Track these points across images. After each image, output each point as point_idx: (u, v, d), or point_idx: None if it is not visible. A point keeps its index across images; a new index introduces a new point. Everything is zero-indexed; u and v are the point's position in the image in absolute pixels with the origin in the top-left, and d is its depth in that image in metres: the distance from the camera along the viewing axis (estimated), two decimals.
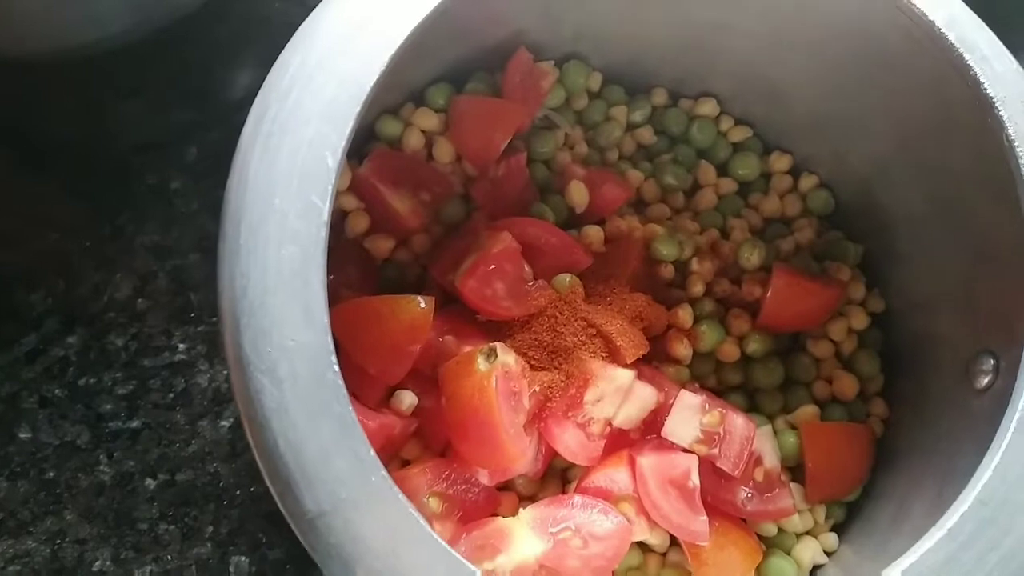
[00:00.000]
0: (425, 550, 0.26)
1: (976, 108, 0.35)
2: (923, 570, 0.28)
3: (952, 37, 0.35)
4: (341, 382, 0.27)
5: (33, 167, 0.54)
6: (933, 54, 0.36)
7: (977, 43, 0.35)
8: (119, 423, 0.49)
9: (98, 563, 0.46)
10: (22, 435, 0.48)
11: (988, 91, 0.34)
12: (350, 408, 0.26)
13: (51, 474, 0.47)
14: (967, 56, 0.34)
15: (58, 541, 0.46)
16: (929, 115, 0.40)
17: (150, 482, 0.48)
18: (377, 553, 0.26)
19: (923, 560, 0.28)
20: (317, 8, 0.31)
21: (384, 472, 0.26)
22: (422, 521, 0.26)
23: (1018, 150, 0.33)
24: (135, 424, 0.49)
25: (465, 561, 0.26)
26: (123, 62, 0.53)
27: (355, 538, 0.26)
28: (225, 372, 0.50)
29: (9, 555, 0.45)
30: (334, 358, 0.27)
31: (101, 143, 0.55)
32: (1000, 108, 0.34)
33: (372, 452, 0.26)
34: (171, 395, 0.50)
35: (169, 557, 0.47)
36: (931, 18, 0.35)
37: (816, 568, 0.42)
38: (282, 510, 0.27)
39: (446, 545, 0.26)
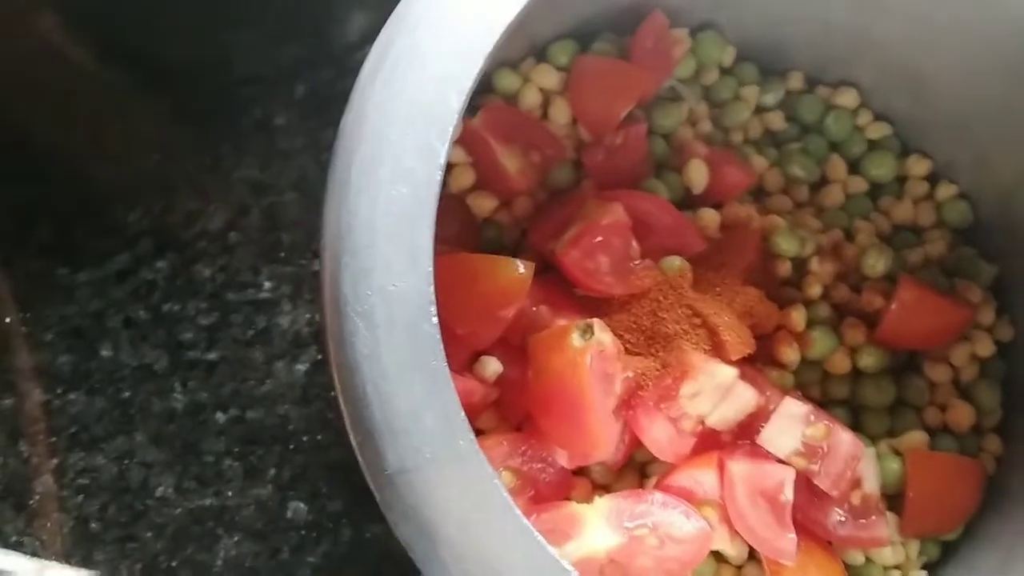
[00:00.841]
0: (506, 525, 0.24)
1: None
2: None
3: None
4: (439, 335, 0.25)
5: (144, 88, 0.54)
6: None
7: None
8: (198, 353, 0.49)
9: (160, 488, 0.46)
10: (104, 352, 0.48)
11: None
12: (445, 364, 0.25)
13: (126, 394, 0.47)
14: None
15: (126, 461, 0.46)
16: None
17: (220, 416, 0.48)
18: (456, 520, 0.24)
19: None
20: None
21: (473, 437, 0.25)
22: (507, 495, 0.24)
23: None
24: (213, 356, 0.49)
25: (546, 544, 0.24)
26: None
27: (435, 501, 0.24)
28: (308, 315, 0.49)
29: (79, 468, 0.46)
30: (434, 309, 0.25)
31: (213, 71, 0.54)
32: None
33: (463, 414, 0.25)
34: (251, 332, 0.49)
35: (230, 493, 0.47)
36: None
37: None
38: (360, 462, 0.25)
39: (529, 524, 0.24)
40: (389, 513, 0.25)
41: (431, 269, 0.25)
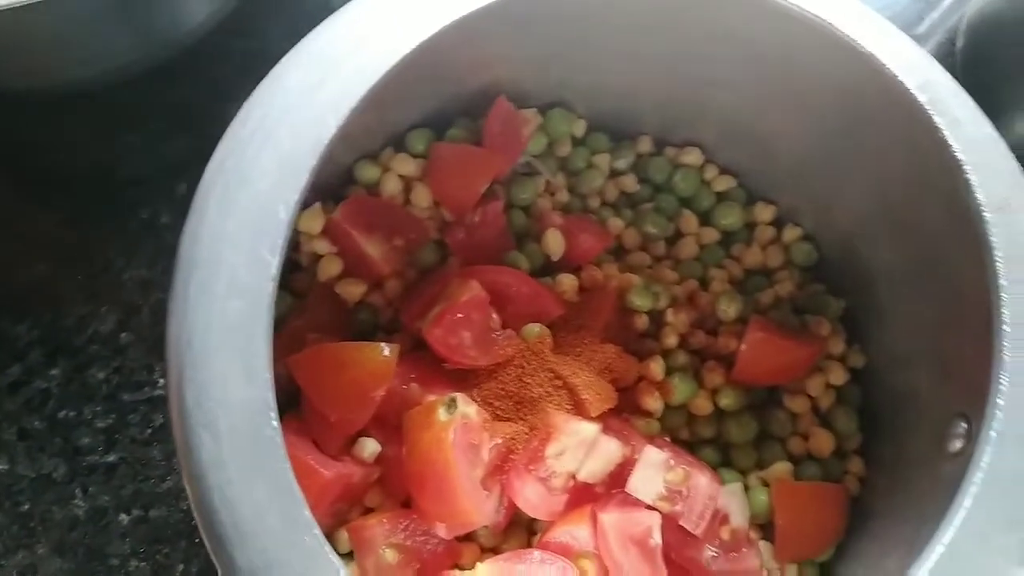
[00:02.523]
0: None
1: (948, 170, 0.35)
2: None
3: (924, 99, 0.35)
4: (280, 439, 0.27)
5: (29, 198, 0.55)
6: (909, 115, 0.36)
7: (950, 107, 0.34)
8: (96, 457, 0.49)
9: None
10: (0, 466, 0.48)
11: (958, 155, 0.33)
12: (287, 465, 0.26)
13: (26, 507, 0.48)
14: (937, 119, 0.34)
15: None
16: (906, 173, 0.39)
17: (123, 518, 0.48)
18: None
19: None
20: (280, 62, 0.32)
21: (317, 531, 0.26)
22: None
23: (986, 215, 0.33)
24: (112, 458, 0.49)
25: None
26: (122, 97, 0.54)
27: None
28: None
29: None
30: (274, 414, 0.27)
31: (99, 176, 0.56)
32: (969, 172, 0.33)
33: (307, 512, 0.26)
34: (149, 430, 0.50)
35: None
36: (903, 79, 0.35)
37: None
38: (216, 565, 0.26)
39: None
40: None
41: (268, 376, 0.27)
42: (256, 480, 0.26)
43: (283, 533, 0.26)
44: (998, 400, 0.31)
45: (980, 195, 0.33)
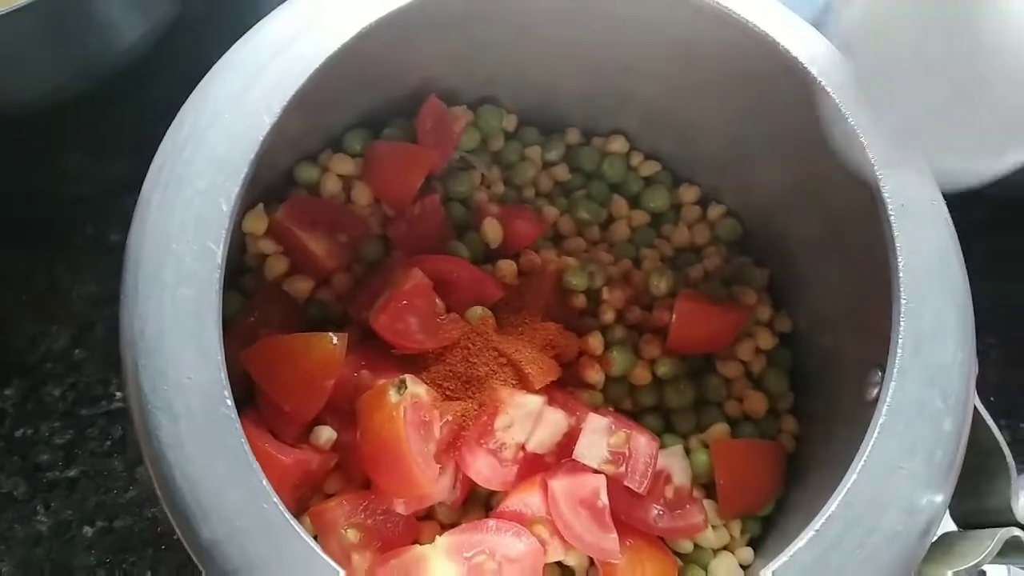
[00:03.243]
0: (317, 574, 0.27)
1: (844, 136, 0.38)
2: (794, 569, 0.30)
3: (815, 71, 0.38)
4: (235, 416, 0.28)
5: None
6: (805, 87, 0.39)
7: (838, 76, 0.38)
8: (56, 472, 0.50)
9: None
10: None
11: (850, 120, 0.36)
12: (243, 440, 0.28)
13: None
14: (830, 88, 0.37)
15: None
16: (812, 145, 0.42)
17: (88, 530, 0.49)
18: None
19: (794, 560, 0.30)
20: (212, 69, 0.33)
21: (276, 500, 0.28)
22: (314, 546, 0.28)
23: (879, 174, 0.36)
24: (73, 473, 0.50)
25: None
26: (58, 118, 0.55)
27: (250, 566, 0.27)
28: None
29: None
30: (227, 393, 0.28)
31: (40, 196, 0.56)
32: (861, 134, 0.36)
33: (265, 481, 0.28)
34: (108, 442, 0.51)
35: None
36: (796, 55, 0.38)
37: None
38: (181, 539, 0.28)
39: (338, 568, 0.27)
40: None
41: (220, 358, 0.29)
42: (215, 457, 0.28)
43: (244, 504, 0.27)
44: (899, 340, 0.34)
45: (871, 154, 0.36)
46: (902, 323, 0.34)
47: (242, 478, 0.28)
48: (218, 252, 0.29)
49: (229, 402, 0.28)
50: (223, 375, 0.28)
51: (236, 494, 0.27)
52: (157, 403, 0.28)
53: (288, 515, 0.28)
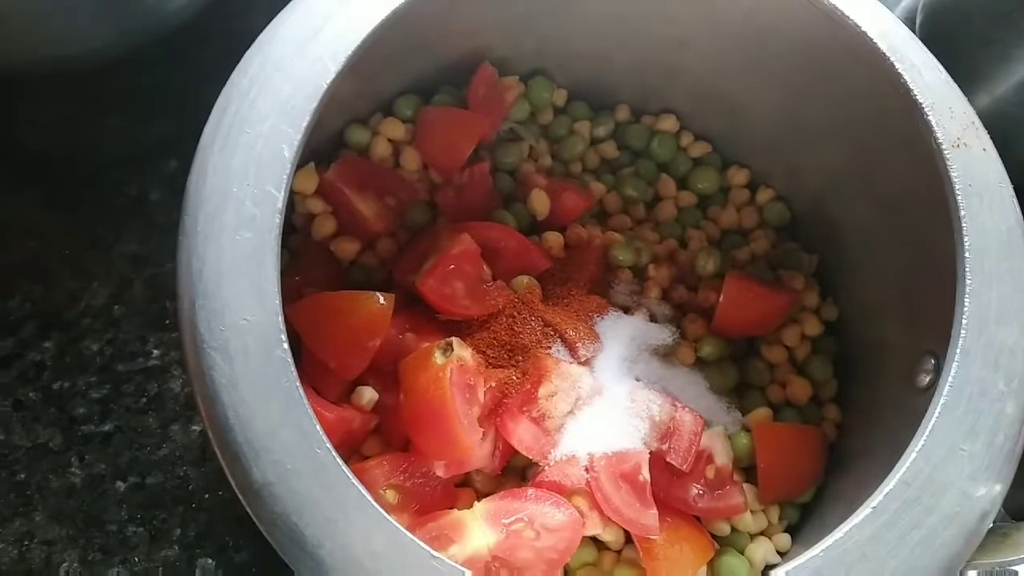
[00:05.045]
0: (367, 519, 0.27)
1: (909, 117, 0.37)
2: (849, 546, 0.29)
3: (884, 47, 0.37)
4: (290, 359, 0.28)
5: (15, 178, 0.55)
6: (870, 65, 0.38)
7: (907, 54, 0.37)
8: (92, 426, 0.50)
9: (65, 564, 0.47)
10: None
11: (917, 97, 0.36)
12: (297, 383, 0.28)
13: (22, 476, 0.48)
14: (898, 65, 0.36)
15: (26, 543, 0.47)
16: (870, 126, 0.41)
17: (120, 485, 0.49)
18: (320, 522, 0.27)
19: (849, 536, 0.29)
20: (278, 15, 0.33)
21: (329, 445, 0.27)
22: (364, 491, 0.27)
23: (946, 154, 0.35)
24: (107, 427, 0.50)
25: (403, 529, 0.27)
26: (105, 78, 0.55)
27: (300, 508, 0.27)
28: None
29: None
30: (284, 336, 0.28)
31: (83, 156, 0.56)
32: (928, 113, 0.35)
33: (317, 426, 0.27)
34: (144, 399, 0.51)
35: (137, 559, 0.47)
36: (865, 30, 0.37)
37: (769, 567, 0.42)
38: (231, 481, 0.28)
39: (386, 514, 0.27)
40: (261, 524, 0.27)
41: (278, 301, 0.28)
42: (269, 399, 0.27)
43: (296, 446, 0.27)
44: (963, 320, 0.33)
45: (939, 133, 0.35)
46: (967, 304, 0.33)
47: (295, 421, 0.27)
48: (279, 197, 0.29)
49: (285, 345, 0.28)
50: (280, 318, 0.28)
51: (289, 436, 0.27)
52: (213, 343, 0.28)
53: (340, 460, 0.27)
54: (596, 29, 0.46)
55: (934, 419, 0.31)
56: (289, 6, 0.34)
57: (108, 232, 0.54)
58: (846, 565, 0.29)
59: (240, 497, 0.28)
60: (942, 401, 0.32)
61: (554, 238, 0.45)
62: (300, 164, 0.41)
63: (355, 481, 0.27)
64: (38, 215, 0.54)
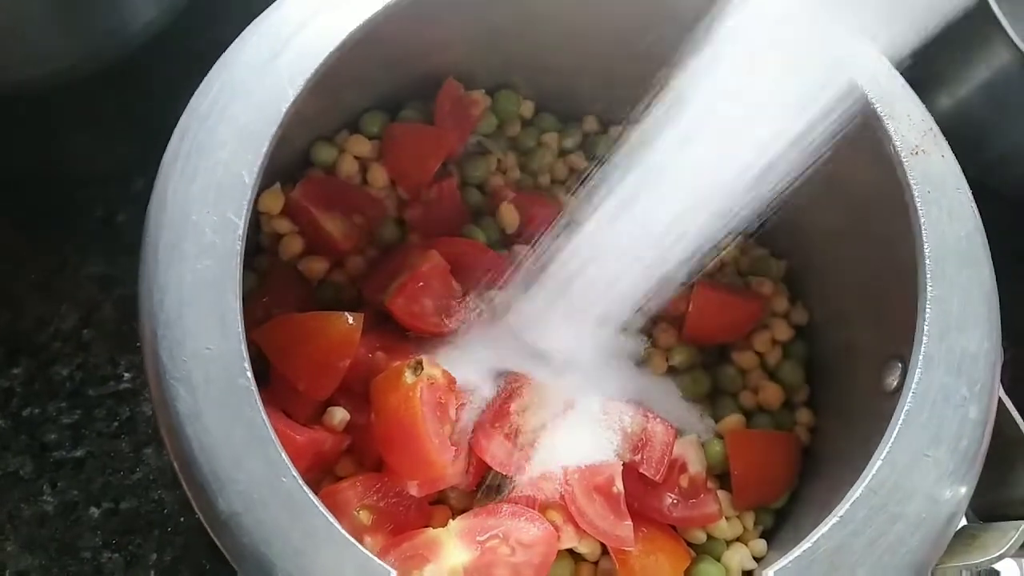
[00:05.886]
0: (335, 548, 0.27)
1: (868, 124, 0.37)
2: (817, 555, 0.29)
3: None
4: (254, 388, 0.28)
5: None
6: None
7: (865, 60, 0.37)
8: (63, 452, 0.49)
9: None
10: None
11: (876, 105, 0.36)
12: (261, 412, 0.27)
13: None
14: (856, 72, 0.37)
15: None
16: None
17: (94, 511, 0.48)
18: (288, 552, 0.27)
19: (817, 546, 0.29)
20: (238, 37, 0.33)
21: (295, 473, 0.27)
22: (332, 519, 0.27)
23: (905, 162, 0.35)
24: (79, 453, 0.49)
25: (374, 557, 0.27)
26: (72, 98, 0.55)
27: (268, 538, 0.27)
28: None
29: None
30: (247, 365, 0.28)
31: (48, 177, 0.56)
32: (887, 121, 0.36)
33: (283, 454, 0.27)
34: (116, 423, 0.50)
35: None
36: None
37: (746, 573, 0.43)
38: (197, 512, 0.27)
39: (355, 542, 0.27)
40: (229, 555, 0.27)
41: (240, 329, 0.28)
42: (233, 429, 0.27)
43: (262, 476, 0.27)
44: (925, 327, 0.33)
45: (897, 141, 0.35)
46: (928, 310, 0.34)
47: (260, 450, 0.27)
48: (239, 224, 0.29)
49: (249, 374, 0.28)
50: (243, 346, 0.28)
51: (254, 466, 0.27)
52: (175, 374, 0.27)
53: (307, 488, 0.27)
54: (566, 43, 0.46)
55: (899, 426, 0.32)
56: (249, 28, 0.34)
57: (75, 254, 0.53)
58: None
59: (207, 528, 0.27)
60: (906, 407, 0.32)
61: (524, 252, 0.45)
62: (265, 184, 0.41)
63: (323, 510, 0.27)
64: (3, 238, 0.53)
